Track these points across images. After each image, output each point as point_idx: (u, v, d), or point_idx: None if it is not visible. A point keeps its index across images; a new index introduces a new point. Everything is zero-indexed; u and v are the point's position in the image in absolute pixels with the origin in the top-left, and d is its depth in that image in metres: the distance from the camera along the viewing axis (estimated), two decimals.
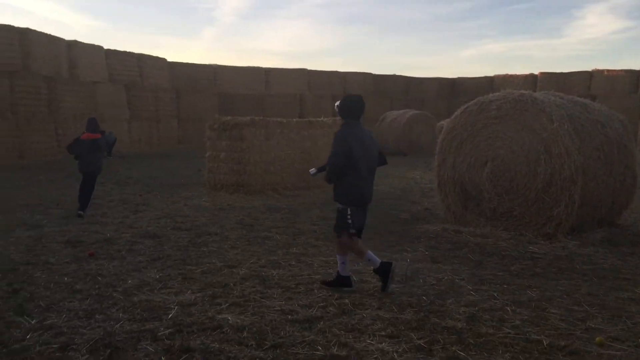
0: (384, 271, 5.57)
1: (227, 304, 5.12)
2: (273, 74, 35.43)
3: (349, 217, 5.58)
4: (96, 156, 10.37)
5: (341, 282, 5.63)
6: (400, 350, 4.13)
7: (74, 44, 25.18)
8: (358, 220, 5.65)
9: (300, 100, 35.15)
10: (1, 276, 5.91)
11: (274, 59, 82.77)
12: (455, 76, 42.56)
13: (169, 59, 31.47)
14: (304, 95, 35.42)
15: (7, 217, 9.40)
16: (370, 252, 5.69)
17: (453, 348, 4.18)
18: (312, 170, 6.55)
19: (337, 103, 5.84)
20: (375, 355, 4.04)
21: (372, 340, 4.30)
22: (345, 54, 79.18)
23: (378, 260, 5.64)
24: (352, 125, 5.62)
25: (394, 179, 16.23)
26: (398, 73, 41.80)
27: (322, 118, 14.51)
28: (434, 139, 13.06)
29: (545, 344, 4.27)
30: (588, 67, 43.59)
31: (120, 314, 4.82)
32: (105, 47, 27.29)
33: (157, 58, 30.38)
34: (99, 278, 5.93)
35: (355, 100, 5.73)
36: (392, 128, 25.34)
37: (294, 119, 14.47)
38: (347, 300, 5.23)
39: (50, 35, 23.78)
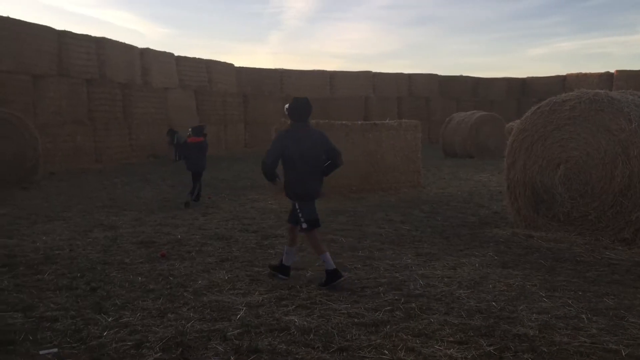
0: (333, 277, 5.76)
1: (293, 306, 5.16)
2: (338, 77, 35.56)
3: (298, 210, 5.99)
4: (201, 156, 11.98)
5: (282, 270, 6.07)
6: (469, 356, 4.04)
7: (146, 52, 26.15)
8: (308, 213, 5.98)
9: (364, 103, 35.10)
10: (80, 275, 6.19)
11: (338, 62, 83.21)
12: (524, 76, 41.36)
13: (236, 64, 32.14)
14: (369, 98, 35.35)
15: (86, 219, 9.86)
16: (328, 254, 5.93)
17: (525, 356, 4.05)
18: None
19: (286, 106, 6.16)
20: None
21: (440, 346, 4.22)
22: (410, 56, 78.59)
23: (332, 265, 5.83)
24: (296, 126, 6.01)
25: (461, 182, 15.93)
26: (465, 74, 41.05)
27: (387, 120, 14.42)
28: (503, 141, 12.71)
29: (623, 354, 4.07)
30: None
31: (191, 314, 4.95)
32: (176, 54, 28.14)
33: (224, 63, 31.10)
34: (171, 278, 6.11)
35: (301, 103, 6.09)
36: (458, 130, 24.86)
37: (359, 122, 14.46)
38: (414, 305, 5.17)
39: (124, 43, 24.80)
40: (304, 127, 6.04)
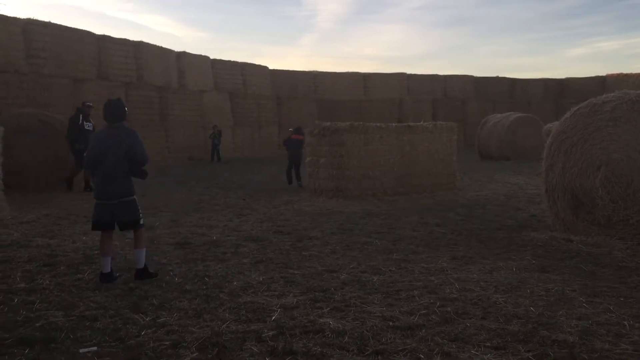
0: (108, 279, 5.98)
1: (328, 308, 5.16)
2: (372, 79, 35.48)
3: (94, 209, 6.22)
4: (299, 150, 15.52)
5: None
6: None
7: (182, 55, 26.54)
8: (98, 214, 6.15)
9: (399, 105, 34.92)
10: (119, 275, 6.30)
11: (372, 63, 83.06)
12: (563, 76, 40.53)
13: (270, 67, 32.34)
14: (403, 100, 35.16)
15: None
16: (108, 259, 6.05)
17: None
18: None
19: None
20: None
21: (476, 351, 4.16)
22: (445, 57, 77.94)
23: (108, 268, 6.01)
24: (105, 127, 6.21)
25: (497, 184, 15.71)
26: (501, 75, 40.47)
27: (422, 122, 14.33)
28: (540, 143, 12.49)
29: None
30: None
31: (227, 314, 4.99)
32: (211, 57, 28.48)
33: (259, 66, 31.34)
34: (207, 279, 6.18)
35: (106, 105, 6.25)
36: (494, 132, 24.51)
37: (393, 124, 14.40)
38: (449, 309, 5.11)
39: (161, 47, 25.21)
40: (113, 128, 6.18)
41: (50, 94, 19.07)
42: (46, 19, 19.94)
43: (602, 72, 48.46)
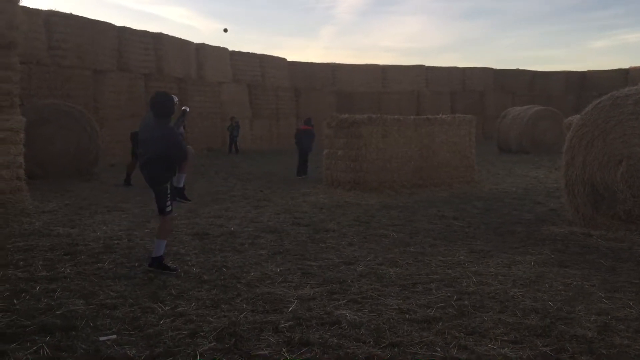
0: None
1: (344, 300, 5.17)
2: (390, 71, 35.26)
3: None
4: (309, 140, 16.08)
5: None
6: (524, 356, 3.95)
7: (201, 47, 26.61)
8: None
9: (417, 97, 34.70)
10: (138, 264, 6.39)
11: (391, 55, 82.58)
12: (584, 69, 39.90)
13: (289, 59, 32.30)
14: (422, 92, 34.92)
15: (143, 210, 10.14)
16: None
17: (583, 358, 3.93)
18: None
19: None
20: None
21: (493, 345, 4.15)
22: (464, 49, 77.20)
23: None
24: (153, 116, 6.20)
25: (516, 178, 15.58)
26: (521, 67, 40.00)
27: (440, 115, 14.23)
28: (561, 137, 12.36)
29: None
30: None
31: (244, 305, 5.03)
32: (230, 48, 28.52)
33: (277, 58, 31.32)
34: (224, 269, 6.22)
35: (152, 98, 6.29)
36: (514, 125, 24.26)
37: (412, 116, 14.33)
38: (466, 302, 5.09)
39: (180, 39, 25.30)
40: (151, 117, 6.24)
41: (71, 85, 19.27)
42: (67, 11, 20.10)
43: (626, 64, 47.60)
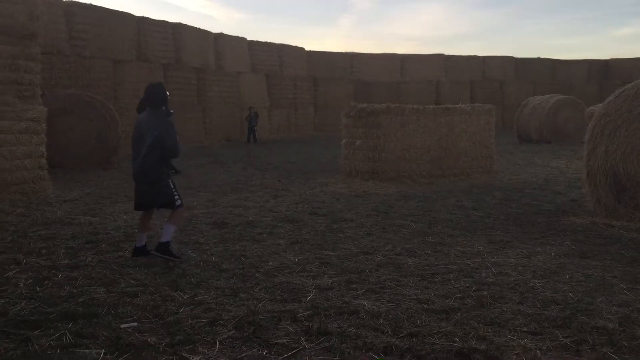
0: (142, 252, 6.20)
1: (363, 290, 5.17)
2: (409, 60, 35.03)
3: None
4: None
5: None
6: (544, 347, 3.93)
7: (220, 37, 26.66)
8: (135, 195, 6.40)
9: (436, 87, 34.46)
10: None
11: (410, 44, 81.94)
12: (607, 57, 39.24)
13: (307, 48, 32.25)
14: (441, 81, 34.67)
15: None
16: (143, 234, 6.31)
17: (603, 350, 3.89)
18: None
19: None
20: (516, 351, 3.87)
21: (513, 336, 4.12)
22: (484, 38, 76.33)
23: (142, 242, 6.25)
24: (147, 110, 6.31)
25: (536, 168, 15.42)
26: (542, 56, 39.42)
27: (459, 104, 14.11)
28: (582, 126, 12.17)
29: None
30: None
31: (263, 294, 5.06)
32: (248, 38, 28.53)
33: (295, 48, 31.28)
34: (243, 259, 6.26)
35: (146, 89, 6.36)
36: (534, 114, 23.94)
37: (430, 106, 14.22)
38: (486, 293, 5.06)
39: (199, 28, 25.37)
40: (147, 112, 6.28)
41: (91, 75, 19.45)
42: (87, 1, 20.26)
43: None
